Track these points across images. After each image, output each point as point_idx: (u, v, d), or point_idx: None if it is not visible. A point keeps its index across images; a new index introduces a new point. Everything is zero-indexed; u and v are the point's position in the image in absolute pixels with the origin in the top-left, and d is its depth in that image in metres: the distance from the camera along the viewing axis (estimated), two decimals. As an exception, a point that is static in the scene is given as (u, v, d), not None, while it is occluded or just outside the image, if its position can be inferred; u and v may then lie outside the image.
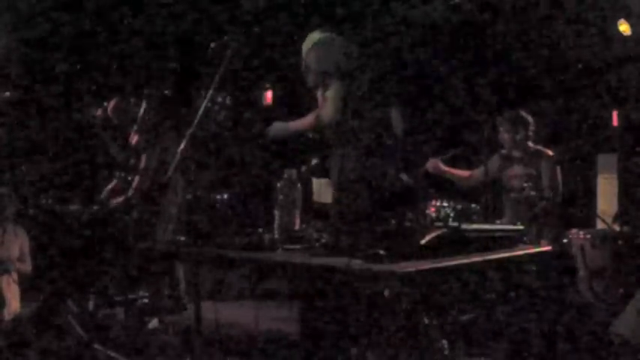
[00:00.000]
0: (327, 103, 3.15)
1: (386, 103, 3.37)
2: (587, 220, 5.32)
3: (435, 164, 4.63)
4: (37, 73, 6.04)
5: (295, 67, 3.56)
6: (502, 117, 4.63)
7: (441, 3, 5.84)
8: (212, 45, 3.05)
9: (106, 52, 6.22)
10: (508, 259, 2.53)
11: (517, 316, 3.02)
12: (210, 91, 2.86)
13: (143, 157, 4.63)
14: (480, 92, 6.38)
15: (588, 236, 4.62)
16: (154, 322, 4.33)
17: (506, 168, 4.61)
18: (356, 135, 3.16)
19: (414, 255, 2.14)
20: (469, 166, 4.92)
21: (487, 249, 2.46)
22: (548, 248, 3.11)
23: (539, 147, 4.56)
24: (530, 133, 4.55)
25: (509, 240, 2.68)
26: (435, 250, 2.19)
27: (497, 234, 2.64)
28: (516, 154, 4.57)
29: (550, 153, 4.50)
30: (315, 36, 3.39)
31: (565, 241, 4.61)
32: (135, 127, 4.65)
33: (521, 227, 2.90)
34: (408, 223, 2.34)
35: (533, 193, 4.15)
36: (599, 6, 5.44)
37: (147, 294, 4.67)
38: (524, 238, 2.90)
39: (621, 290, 4.35)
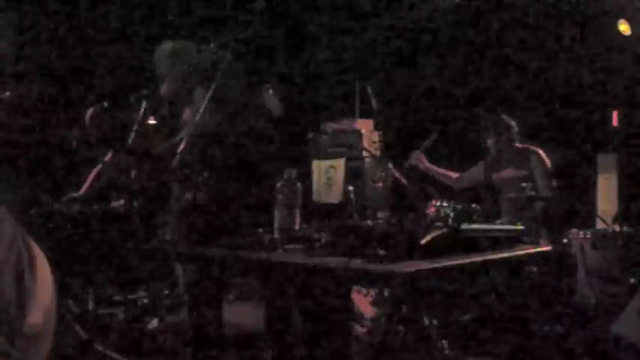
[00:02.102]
0: (192, 114, 3.12)
1: (256, 97, 3.35)
2: (587, 220, 5.31)
3: (420, 158, 4.59)
4: (35, 73, 6.02)
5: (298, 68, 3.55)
6: (483, 122, 4.66)
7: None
8: (211, 45, 3.05)
9: (105, 52, 6.21)
10: (508, 259, 2.53)
11: (517, 316, 3.02)
12: (210, 92, 2.86)
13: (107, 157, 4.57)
14: (478, 92, 6.38)
15: (588, 236, 4.62)
16: (153, 322, 4.33)
17: (496, 171, 4.62)
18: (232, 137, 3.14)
19: (414, 255, 2.14)
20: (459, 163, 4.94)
21: (487, 249, 2.46)
22: (548, 248, 3.12)
23: (527, 145, 4.57)
24: (514, 135, 4.56)
25: (509, 240, 2.69)
26: (435, 250, 2.19)
27: (497, 234, 2.64)
28: (504, 156, 4.58)
29: (538, 150, 4.51)
30: (166, 47, 3.42)
31: (565, 241, 4.61)
32: (135, 128, 4.61)
33: (521, 227, 2.90)
34: (407, 223, 2.34)
35: (533, 193, 4.16)
36: (599, 6, 5.45)
37: (147, 294, 4.66)
38: (524, 238, 2.90)
39: (621, 290, 4.35)
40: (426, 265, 2.06)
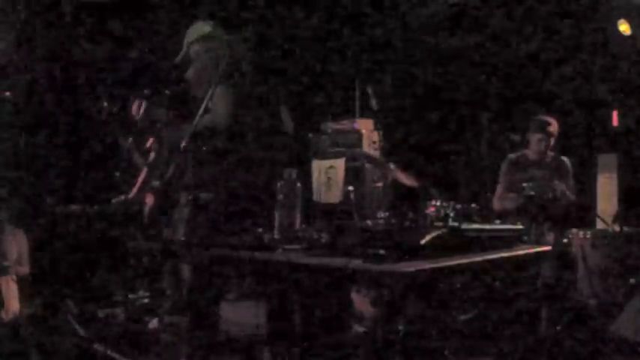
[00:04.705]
0: (218, 107, 3.00)
1: (274, 102, 3.30)
2: (587, 220, 5.32)
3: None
4: (38, 74, 6.02)
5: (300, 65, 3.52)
6: (534, 121, 4.67)
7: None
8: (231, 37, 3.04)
9: (107, 52, 6.21)
10: (508, 259, 2.53)
11: (517, 316, 3.03)
12: (211, 91, 2.85)
13: (151, 155, 4.54)
14: (480, 94, 6.38)
15: (588, 236, 4.63)
16: (153, 322, 4.33)
17: (520, 171, 4.63)
18: (245, 138, 3.07)
19: (414, 255, 2.13)
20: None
21: (487, 249, 2.46)
22: (548, 248, 3.12)
23: (557, 154, 4.64)
24: (553, 141, 4.60)
25: (509, 240, 2.68)
26: (435, 250, 2.19)
27: (497, 234, 2.64)
28: (534, 157, 4.60)
29: (566, 160, 4.58)
30: (203, 28, 3.27)
31: (565, 241, 4.61)
32: (134, 129, 4.58)
33: (521, 227, 2.90)
34: (407, 223, 2.34)
35: (532, 193, 4.18)
36: (599, 6, 5.45)
37: (147, 294, 4.66)
38: (524, 238, 2.90)
39: (621, 290, 4.35)
40: (426, 265, 2.06)
